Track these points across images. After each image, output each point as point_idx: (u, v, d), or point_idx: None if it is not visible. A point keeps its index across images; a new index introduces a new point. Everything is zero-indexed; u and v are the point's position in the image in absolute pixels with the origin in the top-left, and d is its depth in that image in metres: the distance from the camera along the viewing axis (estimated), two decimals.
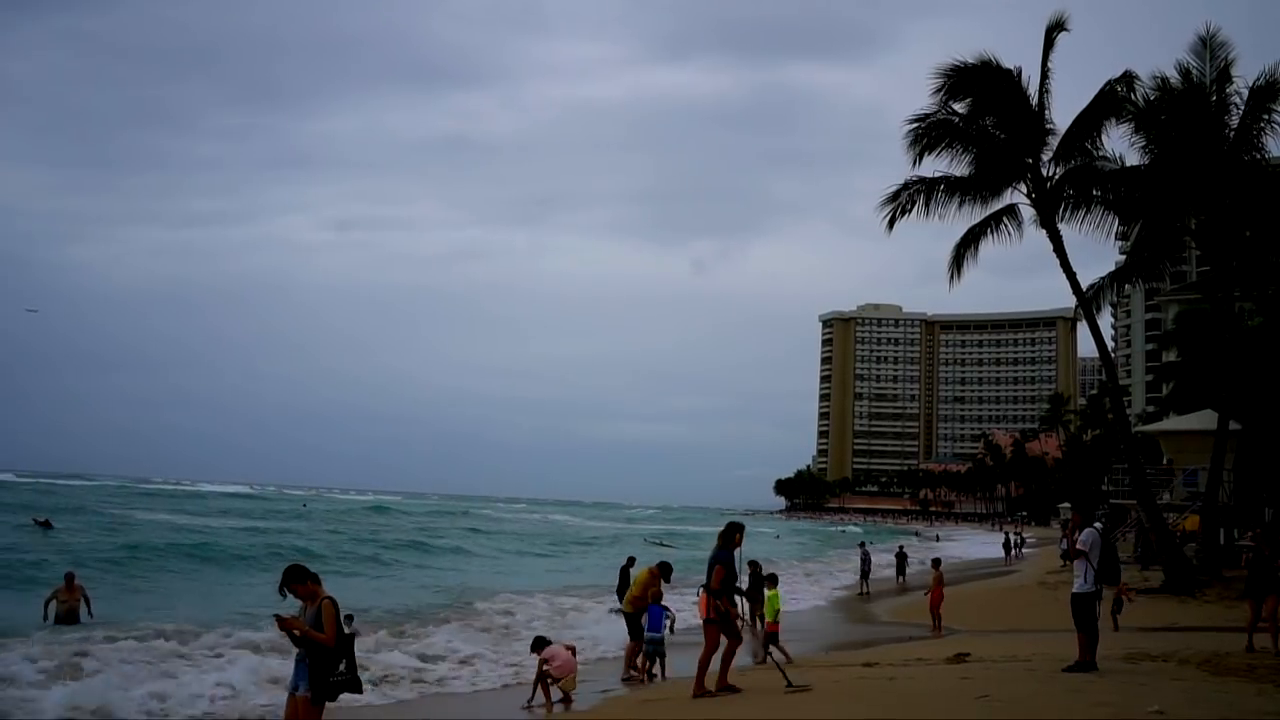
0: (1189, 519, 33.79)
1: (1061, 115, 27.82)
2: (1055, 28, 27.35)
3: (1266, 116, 26.60)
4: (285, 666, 8.56)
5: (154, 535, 42.01)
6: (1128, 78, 27.21)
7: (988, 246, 29.17)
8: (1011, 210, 28.82)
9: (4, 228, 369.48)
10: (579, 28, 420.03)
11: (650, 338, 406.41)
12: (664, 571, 14.44)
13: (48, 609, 17.67)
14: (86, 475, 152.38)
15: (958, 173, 28.36)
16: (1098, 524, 12.27)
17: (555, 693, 12.53)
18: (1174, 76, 27.25)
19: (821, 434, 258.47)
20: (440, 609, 22.86)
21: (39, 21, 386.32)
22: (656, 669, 14.19)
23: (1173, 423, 42.16)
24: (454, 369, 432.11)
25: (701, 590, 11.61)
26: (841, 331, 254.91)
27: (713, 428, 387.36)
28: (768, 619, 15.95)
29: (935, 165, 28.31)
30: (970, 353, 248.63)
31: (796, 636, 17.85)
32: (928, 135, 27.79)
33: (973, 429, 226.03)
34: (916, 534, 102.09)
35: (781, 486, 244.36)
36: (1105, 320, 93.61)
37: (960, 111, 27.90)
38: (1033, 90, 27.48)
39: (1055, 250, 27.63)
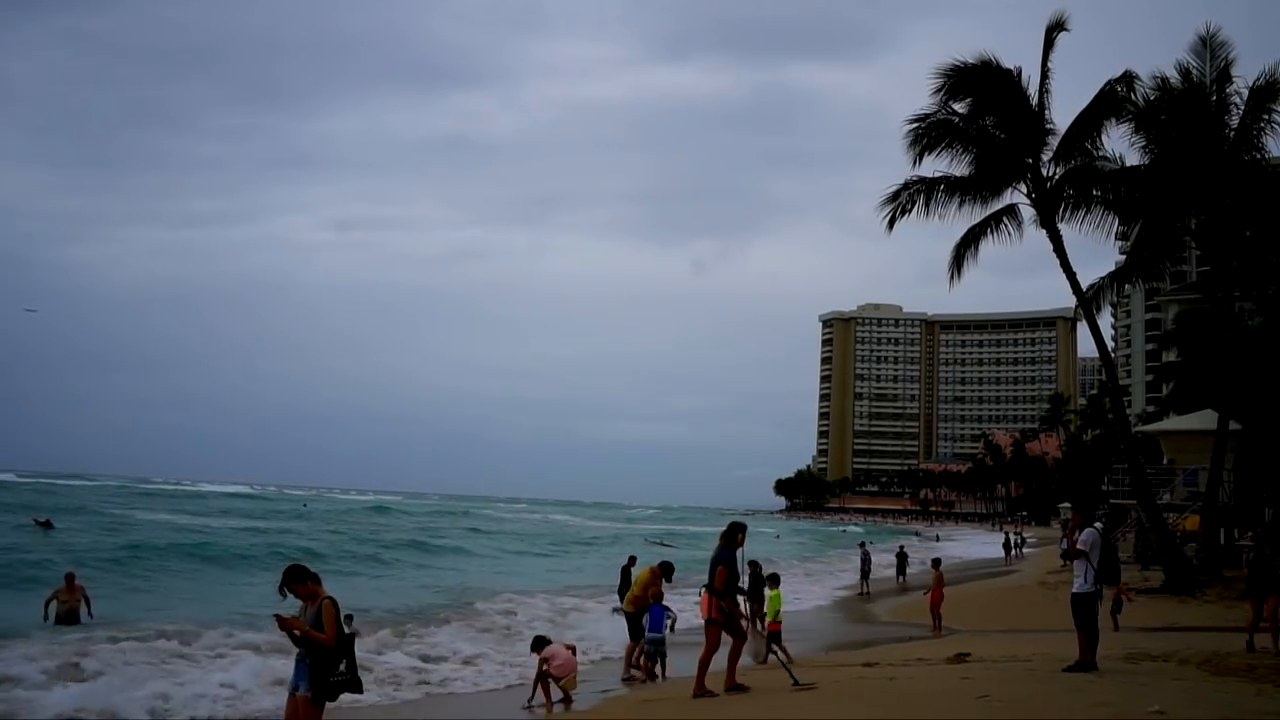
0: (1189, 519, 33.79)
1: (1061, 115, 27.90)
2: (1055, 28, 27.37)
3: (1266, 116, 26.61)
4: (288, 667, 8.57)
5: (155, 535, 41.98)
6: (1128, 78, 27.22)
7: (988, 246, 29.25)
8: (1011, 210, 28.85)
9: (4, 228, 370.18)
10: (579, 28, 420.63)
11: (650, 338, 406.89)
12: (665, 571, 14.45)
13: (48, 609, 17.66)
14: (87, 475, 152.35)
15: (958, 173, 28.41)
16: (1098, 524, 12.27)
17: (555, 692, 12.54)
18: (1174, 76, 27.28)
19: (821, 434, 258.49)
20: (441, 609, 22.86)
21: (39, 21, 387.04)
22: (658, 669, 14.21)
23: (1173, 423, 42.15)
24: (454, 369, 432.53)
25: (704, 590, 11.63)
26: (841, 331, 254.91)
27: (713, 428, 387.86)
28: (769, 618, 15.96)
29: (935, 165, 28.39)
30: (970, 353, 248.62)
31: (797, 636, 17.86)
32: (928, 135, 27.80)
33: (973, 429, 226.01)
34: (917, 534, 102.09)
35: (782, 486, 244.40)
36: (1105, 320, 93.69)
37: (960, 111, 27.92)
38: (1033, 90, 27.53)
39: (1055, 250, 27.64)
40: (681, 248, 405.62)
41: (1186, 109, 26.96)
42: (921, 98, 28.18)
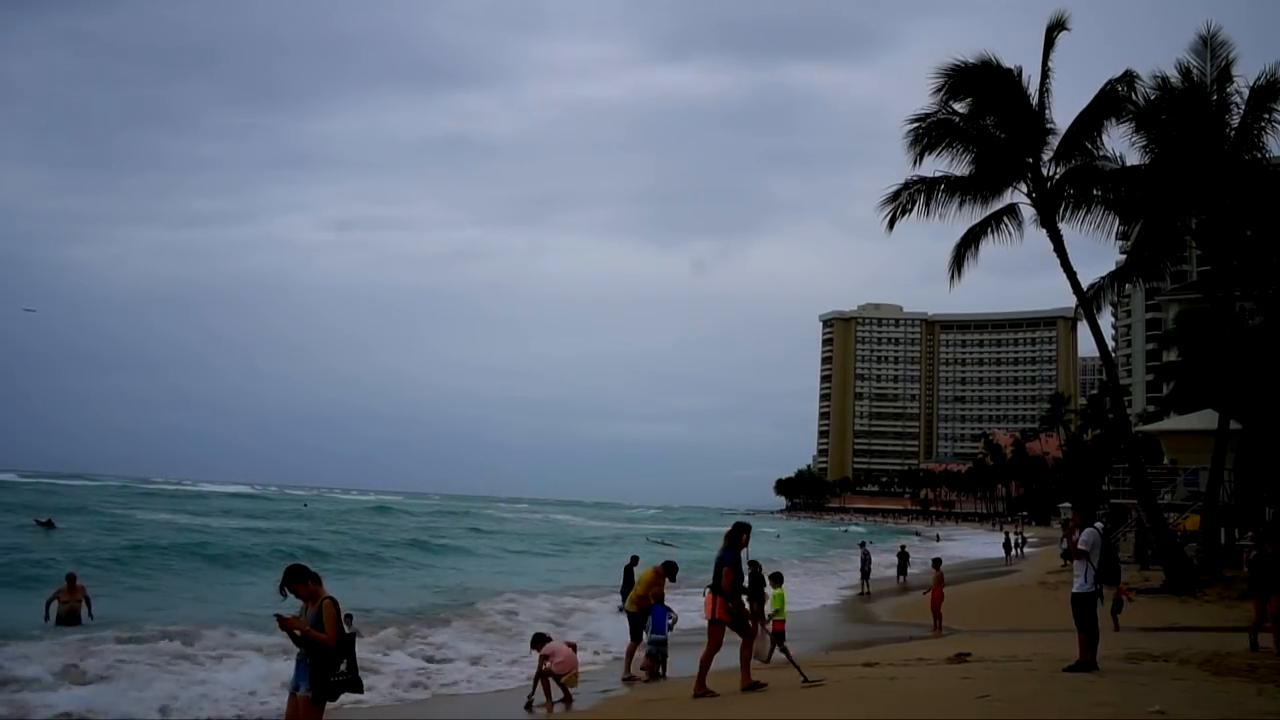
0: (1190, 519, 33.79)
1: (1062, 115, 27.91)
2: (1055, 27, 27.37)
3: (1267, 116, 26.63)
4: (290, 667, 8.58)
5: (156, 535, 41.97)
6: (1128, 77, 27.22)
7: (988, 246, 29.25)
8: (1012, 210, 28.84)
9: (4, 228, 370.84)
10: (579, 28, 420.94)
11: (650, 338, 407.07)
12: (669, 571, 14.45)
13: (49, 609, 17.66)
14: (88, 475, 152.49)
15: (958, 172, 28.41)
16: (1098, 524, 12.28)
17: (556, 691, 12.53)
18: (1174, 76, 27.29)
19: (822, 434, 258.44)
20: (443, 609, 22.89)
21: (39, 21, 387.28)
22: (660, 669, 14.20)
23: (1173, 422, 42.15)
24: (454, 369, 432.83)
25: (707, 591, 11.63)
26: (842, 331, 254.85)
27: (713, 428, 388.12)
28: (774, 617, 15.94)
29: (935, 165, 28.40)
30: (970, 352, 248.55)
31: (797, 636, 17.82)
32: (928, 135, 27.80)
33: (973, 429, 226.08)
34: (917, 534, 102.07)
35: (782, 486, 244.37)
36: (1106, 320, 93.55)
37: (960, 111, 27.92)
38: (1033, 90, 27.53)
39: (1055, 250, 27.64)
40: (681, 248, 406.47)
41: (1187, 109, 26.96)
42: (921, 97, 28.25)
